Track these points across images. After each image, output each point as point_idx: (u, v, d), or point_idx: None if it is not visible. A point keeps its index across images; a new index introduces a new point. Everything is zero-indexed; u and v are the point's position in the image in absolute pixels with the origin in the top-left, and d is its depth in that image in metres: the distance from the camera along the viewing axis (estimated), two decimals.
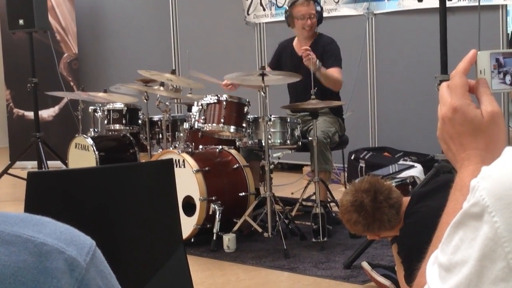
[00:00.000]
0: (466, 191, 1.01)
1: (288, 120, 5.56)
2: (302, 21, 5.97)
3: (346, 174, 7.17)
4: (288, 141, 5.54)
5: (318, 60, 5.65)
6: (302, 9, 5.97)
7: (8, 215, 0.94)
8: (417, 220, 3.28)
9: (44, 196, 2.28)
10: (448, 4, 5.35)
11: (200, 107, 5.62)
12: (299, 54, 5.96)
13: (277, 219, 5.30)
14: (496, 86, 1.25)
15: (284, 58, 6.18)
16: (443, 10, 5.15)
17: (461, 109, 1.20)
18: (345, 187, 6.03)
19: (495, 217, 0.92)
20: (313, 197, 5.61)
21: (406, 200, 3.47)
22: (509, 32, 6.94)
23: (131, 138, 6.61)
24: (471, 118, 1.20)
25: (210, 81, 6.09)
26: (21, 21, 7.43)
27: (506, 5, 6.59)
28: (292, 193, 6.62)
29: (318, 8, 6.02)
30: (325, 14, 7.60)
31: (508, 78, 1.25)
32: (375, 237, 3.57)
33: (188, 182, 5.40)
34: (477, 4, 5.91)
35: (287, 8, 6.12)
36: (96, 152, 6.39)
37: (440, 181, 3.59)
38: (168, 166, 2.45)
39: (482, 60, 1.26)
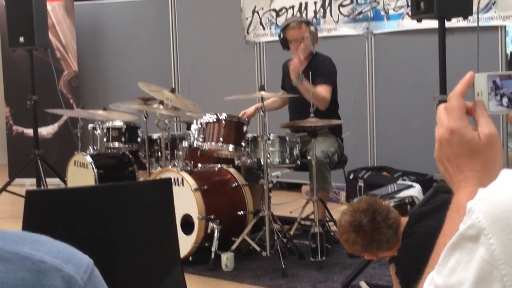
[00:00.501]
0: (462, 212, 1.01)
1: (287, 139, 5.56)
2: (295, 44, 5.96)
3: (345, 193, 7.18)
4: (287, 160, 5.54)
5: (300, 72, 5.64)
6: (294, 33, 5.96)
7: (6, 233, 0.94)
8: (415, 241, 3.28)
9: (42, 214, 2.28)
10: (447, 24, 5.37)
11: (199, 125, 5.63)
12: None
13: (276, 238, 5.29)
14: (494, 108, 1.26)
15: (286, 78, 6.20)
16: (442, 30, 5.17)
17: (458, 131, 1.21)
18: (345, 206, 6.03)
19: (492, 240, 0.93)
20: (312, 216, 5.60)
21: (404, 220, 3.47)
22: (508, 52, 6.97)
23: (130, 156, 6.61)
24: (468, 140, 1.20)
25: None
26: (21, 39, 7.45)
27: (505, 26, 6.62)
28: (291, 212, 6.62)
29: (312, 29, 6.00)
30: (324, 34, 7.66)
31: (505, 100, 1.26)
32: (373, 257, 3.57)
33: (186, 200, 5.40)
34: (476, 25, 5.93)
35: (280, 31, 6.11)
36: (95, 170, 6.39)
37: (439, 201, 3.59)
38: (166, 186, 2.45)
39: (480, 82, 1.26)
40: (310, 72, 5.59)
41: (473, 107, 1.24)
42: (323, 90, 5.85)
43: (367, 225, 3.40)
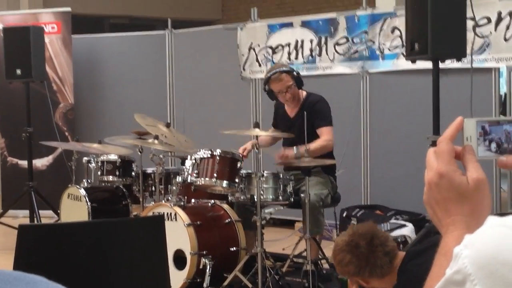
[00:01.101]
0: (450, 256, 1.03)
1: (281, 176, 5.58)
2: (281, 95, 5.99)
3: (337, 231, 7.17)
4: (281, 197, 5.55)
5: (295, 150, 5.66)
6: (278, 85, 5.97)
7: (1, 273, 0.95)
8: (409, 279, 3.28)
9: (34, 249, 2.28)
10: (441, 65, 5.42)
11: (194, 161, 5.65)
12: (290, 116, 6.08)
13: (268, 275, 5.28)
14: (482, 153, 1.27)
15: (279, 119, 6.24)
16: (436, 71, 5.23)
17: (447, 175, 1.23)
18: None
19: (477, 286, 0.94)
20: (304, 254, 5.60)
21: (401, 254, 3.47)
22: (501, 94, 7.01)
23: (124, 190, 6.61)
24: (457, 184, 1.22)
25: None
26: (18, 71, 7.49)
27: (498, 68, 6.68)
28: (284, 249, 6.61)
29: (294, 74, 5.99)
30: (320, 72, 7.72)
31: (493, 145, 1.28)
32: (363, 284, 3.55)
33: (179, 235, 5.40)
34: (469, 66, 5.98)
35: (264, 84, 6.11)
36: (89, 203, 6.39)
37: (433, 241, 3.60)
38: (158, 222, 2.46)
39: (469, 127, 1.28)
40: (305, 113, 5.64)
41: (462, 151, 1.26)
42: (326, 133, 5.90)
43: (364, 247, 3.40)
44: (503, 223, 1.02)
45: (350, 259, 3.42)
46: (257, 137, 5.37)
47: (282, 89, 5.96)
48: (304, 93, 6.14)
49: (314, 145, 5.78)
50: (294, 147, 5.68)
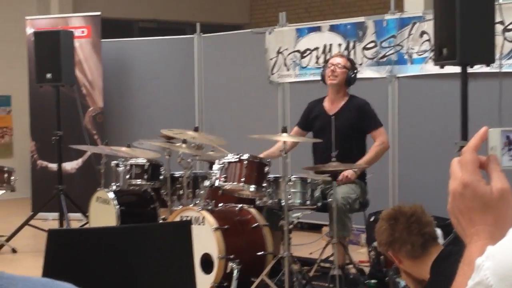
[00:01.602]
0: (473, 266, 1.04)
1: (309, 180, 5.58)
2: (329, 69, 6.12)
3: (365, 236, 7.15)
4: (308, 202, 5.55)
5: (352, 172, 5.84)
6: (337, 59, 6.20)
7: (31, 280, 0.96)
8: (439, 281, 3.29)
9: (63, 253, 2.31)
10: (470, 70, 5.40)
11: (222, 165, 5.67)
12: (329, 113, 6.07)
13: (295, 279, 5.28)
14: (507, 163, 1.28)
15: (313, 118, 6.25)
16: (464, 77, 5.21)
17: (471, 184, 1.23)
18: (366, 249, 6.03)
19: None
20: (332, 258, 5.60)
21: (439, 247, 3.49)
22: None
23: (152, 193, 6.64)
24: (481, 194, 1.22)
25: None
26: (48, 75, 7.57)
27: None
28: (311, 253, 6.61)
29: (355, 68, 6.21)
30: None
31: None
32: (397, 261, 3.57)
33: (207, 239, 5.42)
34: (498, 70, 5.95)
35: (324, 63, 6.39)
36: (117, 206, 6.43)
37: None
38: (185, 227, 2.48)
39: (493, 137, 1.29)
40: (352, 115, 5.85)
41: (487, 161, 1.26)
42: (380, 134, 6.07)
43: (402, 221, 3.47)
44: None
45: (386, 228, 3.50)
46: (285, 141, 5.38)
47: (333, 62, 6.14)
48: (348, 95, 6.22)
49: (369, 156, 5.95)
50: (351, 169, 5.78)
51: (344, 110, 6.07)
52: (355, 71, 6.22)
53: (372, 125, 6.04)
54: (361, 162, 5.83)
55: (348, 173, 5.80)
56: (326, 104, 6.22)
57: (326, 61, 6.42)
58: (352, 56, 7.78)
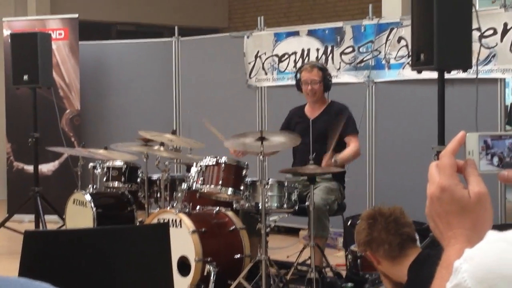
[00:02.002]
0: (451, 269, 1.05)
1: (286, 184, 5.60)
2: (305, 86, 6.13)
3: (342, 239, 7.17)
4: (285, 205, 5.56)
5: (333, 158, 5.80)
6: (305, 75, 6.16)
7: (9, 280, 0.96)
8: (415, 284, 3.30)
9: (40, 255, 2.30)
10: (447, 76, 5.44)
11: (199, 168, 5.67)
12: (309, 118, 6.15)
13: (272, 282, 5.29)
14: (484, 167, 1.29)
15: (294, 123, 6.28)
16: (441, 82, 5.24)
17: (449, 188, 1.24)
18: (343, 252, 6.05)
19: None
20: (309, 262, 5.61)
21: (416, 250, 3.51)
22: (507, 104, 7.02)
23: (129, 196, 6.63)
24: (458, 198, 1.23)
25: (218, 137, 6.08)
26: (25, 77, 7.52)
27: (504, 79, 6.69)
28: (288, 257, 6.62)
29: (327, 75, 6.19)
30: None
31: (495, 159, 1.29)
32: (375, 262, 3.59)
33: (184, 242, 5.41)
34: (475, 76, 6.00)
35: (296, 72, 6.34)
36: (94, 209, 6.41)
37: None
38: (163, 230, 2.48)
39: (471, 141, 1.30)
40: (331, 121, 5.89)
41: (464, 165, 1.28)
42: (354, 141, 6.08)
43: (380, 221, 3.50)
44: (502, 238, 1.04)
45: (364, 228, 3.53)
46: (262, 142, 5.37)
47: (307, 80, 6.13)
48: (329, 100, 6.24)
49: (346, 153, 5.95)
50: (333, 158, 5.78)
51: (324, 114, 6.13)
52: (329, 77, 6.24)
53: (349, 130, 6.08)
54: (341, 156, 5.83)
55: (329, 162, 5.81)
56: (307, 109, 6.28)
57: (298, 70, 6.32)
58: (330, 61, 7.82)
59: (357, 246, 3.73)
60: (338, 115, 6.10)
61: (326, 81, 6.16)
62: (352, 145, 6.05)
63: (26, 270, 2.28)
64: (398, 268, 3.46)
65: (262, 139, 5.34)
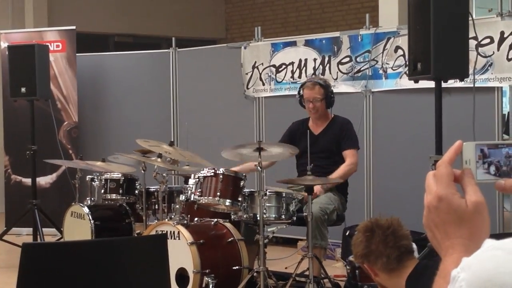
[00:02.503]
0: (449, 279, 1.04)
1: (284, 195, 5.60)
2: (307, 103, 6.19)
3: (341, 250, 7.17)
4: (283, 216, 5.56)
5: (319, 189, 5.87)
6: (307, 92, 6.21)
7: None
8: None
9: (38, 267, 2.29)
10: (444, 84, 5.44)
11: (197, 179, 5.66)
12: (314, 133, 6.22)
13: None
14: (481, 176, 1.29)
15: (298, 137, 6.27)
16: (438, 91, 5.25)
17: (446, 198, 1.24)
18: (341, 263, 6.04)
19: None
20: (307, 273, 5.59)
21: (414, 261, 3.49)
22: (504, 113, 7.02)
23: (127, 208, 6.62)
24: (455, 207, 1.23)
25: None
26: (23, 89, 7.52)
27: (501, 87, 6.69)
28: (286, 268, 6.60)
29: (329, 92, 6.21)
30: None
31: (492, 168, 1.29)
32: (372, 274, 3.57)
33: (182, 254, 5.40)
34: (472, 85, 6.01)
35: (299, 88, 6.36)
36: (92, 221, 6.40)
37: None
38: (161, 241, 2.48)
39: (468, 150, 1.30)
40: (335, 136, 6.02)
41: (461, 175, 1.28)
42: (351, 156, 6.10)
43: (378, 234, 3.47)
44: (499, 246, 1.04)
45: (362, 240, 3.51)
46: (260, 152, 5.37)
47: (309, 98, 6.16)
48: (332, 114, 6.28)
49: (338, 173, 5.97)
50: (320, 186, 5.82)
51: (328, 129, 6.18)
52: (332, 94, 6.25)
53: (348, 144, 6.11)
54: (332, 177, 5.87)
55: (317, 189, 5.82)
56: (311, 124, 6.30)
57: (301, 86, 6.33)
58: (327, 71, 7.83)
59: (354, 258, 3.71)
60: (341, 129, 6.14)
61: (328, 98, 6.19)
62: (346, 162, 6.07)
63: (24, 282, 2.27)
64: (395, 280, 3.45)
65: (260, 149, 5.34)
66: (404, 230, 3.58)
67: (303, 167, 6.13)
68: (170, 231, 5.48)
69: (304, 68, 8.01)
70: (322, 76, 7.53)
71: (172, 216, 5.85)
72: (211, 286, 5.35)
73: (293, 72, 8.13)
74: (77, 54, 9.33)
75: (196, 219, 5.87)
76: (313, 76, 7.54)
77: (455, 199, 1.23)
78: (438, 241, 1.27)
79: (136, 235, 6.44)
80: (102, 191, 6.67)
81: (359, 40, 7.62)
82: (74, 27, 9.40)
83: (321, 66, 7.91)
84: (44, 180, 9.22)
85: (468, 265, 1.00)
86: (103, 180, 6.66)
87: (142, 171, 6.27)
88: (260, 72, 8.41)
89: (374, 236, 3.49)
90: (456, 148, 1.29)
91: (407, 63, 5.87)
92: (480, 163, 1.29)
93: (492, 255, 1.01)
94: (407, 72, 5.77)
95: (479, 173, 1.29)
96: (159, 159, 6.05)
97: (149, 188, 6.45)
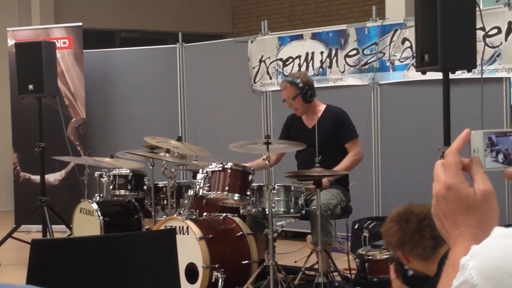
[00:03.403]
0: (458, 267, 1.04)
1: (292, 189, 5.59)
2: (287, 103, 6.16)
3: (349, 243, 7.15)
4: (292, 210, 5.55)
5: (326, 181, 5.77)
6: (283, 93, 6.16)
7: (16, 287, 0.96)
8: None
9: (47, 263, 2.29)
10: (452, 76, 5.42)
11: (205, 174, 5.66)
12: (308, 127, 6.10)
13: (280, 287, 5.28)
14: (489, 164, 1.28)
15: (293, 131, 6.25)
16: (446, 83, 5.23)
17: (454, 187, 1.23)
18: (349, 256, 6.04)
19: None
20: (316, 266, 5.59)
21: (447, 246, 3.48)
22: None
23: (136, 204, 6.62)
24: (464, 196, 1.23)
25: None
26: (30, 86, 7.53)
27: (509, 78, 6.66)
28: (296, 262, 6.60)
29: (300, 85, 6.02)
30: (331, 84, 7.74)
31: (500, 156, 1.28)
32: (404, 261, 3.55)
33: (191, 249, 5.40)
34: (480, 76, 5.98)
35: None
36: (101, 217, 6.40)
37: None
38: (170, 236, 2.47)
39: (476, 139, 1.29)
40: (330, 127, 5.84)
41: (469, 163, 1.27)
42: (353, 149, 6.05)
43: (414, 223, 3.42)
44: (509, 234, 1.03)
45: (397, 230, 3.45)
46: (267, 147, 5.37)
47: (285, 98, 6.12)
48: (324, 105, 6.18)
49: (344, 164, 5.93)
50: (326, 179, 5.73)
51: (321, 121, 6.02)
52: (306, 86, 6.05)
53: (348, 137, 6.05)
54: (337, 169, 5.83)
55: (323, 182, 5.78)
56: (304, 118, 6.23)
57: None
58: (334, 64, 7.81)
59: (387, 246, 3.66)
60: (335, 120, 6.06)
61: (304, 93, 6.05)
62: (351, 153, 6.02)
63: (33, 279, 2.28)
64: (428, 265, 3.42)
65: (268, 143, 5.34)
66: None
67: (303, 160, 6.12)
68: (179, 226, 5.48)
69: (311, 61, 8.00)
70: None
71: (181, 211, 5.86)
72: (220, 280, 5.35)
73: (300, 66, 8.12)
74: (84, 51, 9.34)
75: (204, 214, 5.87)
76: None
77: (464, 188, 1.23)
78: (446, 230, 1.26)
79: (145, 231, 6.44)
80: (111, 187, 6.67)
81: (366, 32, 7.60)
82: (80, 24, 9.41)
83: (328, 59, 7.89)
84: (53, 177, 9.24)
85: (478, 253, 0.99)
86: (111, 176, 6.67)
87: (151, 167, 6.27)
88: (267, 66, 8.40)
89: (410, 225, 3.43)
90: (464, 136, 1.28)
91: (414, 54, 5.85)
92: (488, 151, 1.28)
93: (502, 243, 1.01)
94: (415, 63, 5.75)
95: (487, 161, 1.28)
96: (167, 155, 6.05)
97: (158, 184, 6.45)
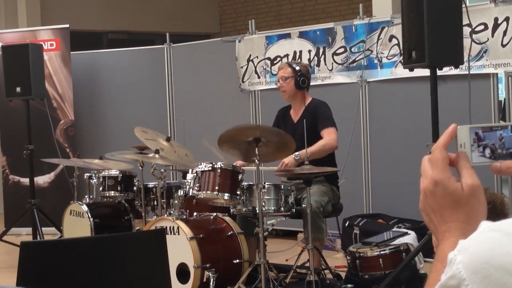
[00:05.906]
0: (446, 262, 1.04)
1: (282, 187, 5.59)
2: (279, 82, 6.21)
3: (340, 241, 7.18)
4: (282, 208, 5.55)
5: (292, 160, 5.72)
6: (279, 72, 6.26)
7: None
8: None
9: (37, 266, 2.29)
10: (439, 72, 5.44)
11: (195, 174, 5.66)
12: (294, 121, 6.08)
13: (271, 286, 5.28)
14: (476, 159, 1.29)
15: (282, 125, 6.26)
16: (433, 79, 5.24)
17: (441, 182, 1.24)
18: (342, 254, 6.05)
19: None
20: (307, 264, 5.60)
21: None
22: (501, 99, 7.01)
23: (126, 205, 6.62)
24: (451, 191, 1.23)
25: (219, 156, 6.06)
26: (18, 89, 7.50)
27: (497, 74, 6.68)
28: (287, 260, 6.61)
29: (298, 72, 6.10)
30: (319, 82, 7.75)
31: (487, 151, 1.29)
32: None
33: (182, 249, 5.40)
34: (467, 72, 6.00)
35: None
36: (91, 219, 6.39)
37: None
38: (160, 236, 2.47)
39: (462, 134, 1.29)
40: (305, 120, 5.69)
41: (456, 158, 1.27)
42: (330, 133, 5.95)
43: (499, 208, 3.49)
44: (496, 228, 1.04)
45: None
46: (257, 145, 5.36)
47: (279, 77, 6.18)
48: (310, 98, 6.19)
49: (314, 147, 5.82)
50: (293, 154, 5.70)
51: (305, 116, 6.03)
52: (302, 75, 6.12)
53: (323, 125, 5.98)
54: (303, 152, 5.71)
55: (288, 160, 5.75)
56: (292, 111, 6.25)
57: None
58: (322, 62, 7.83)
59: None
60: (314, 112, 6.05)
61: (297, 78, 6.09)
62: (324, 138, 5.96)
63: (23, 281, 2.27)
64: None
65: (257, 141, 5.33)
66: (504, 209, 3.55)
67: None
68: (170, 227, 5.48)
69: (299, 59, 8.00)
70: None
71: (171, 212, 5.85)
72: (212, 280, 5.35)
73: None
74: (71, 52, 9.32)
75: (195, 213, 5.87)
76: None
77: (451, 183, 1.23)
78: (435, 225, 1.26)
79: (135, 231, 6.44)
80: (101, 188, 6.67)
81: (353, 30, 7.62)
82: (67, 26, 9.39)
83: (316, 58, 7.90)
84: (42, 180, 9.21)
85: (465, 247, 1.00)
86: (101, 178, 6.67)
87: (140, 168, 6.27)
88: (255, 65, 8.41)
89: (495, 206, 3.46)
90: (450, 131, 1.28)
91: (402, 52, 5.86)
92: (475, 146, 1.29)
93: (489, 237, 1.01)
94: (402, 61, 5.76)
95: (474, 156, 1.28)
96: (156, 155, 6.05)
97: (147, 184, 6.45)
